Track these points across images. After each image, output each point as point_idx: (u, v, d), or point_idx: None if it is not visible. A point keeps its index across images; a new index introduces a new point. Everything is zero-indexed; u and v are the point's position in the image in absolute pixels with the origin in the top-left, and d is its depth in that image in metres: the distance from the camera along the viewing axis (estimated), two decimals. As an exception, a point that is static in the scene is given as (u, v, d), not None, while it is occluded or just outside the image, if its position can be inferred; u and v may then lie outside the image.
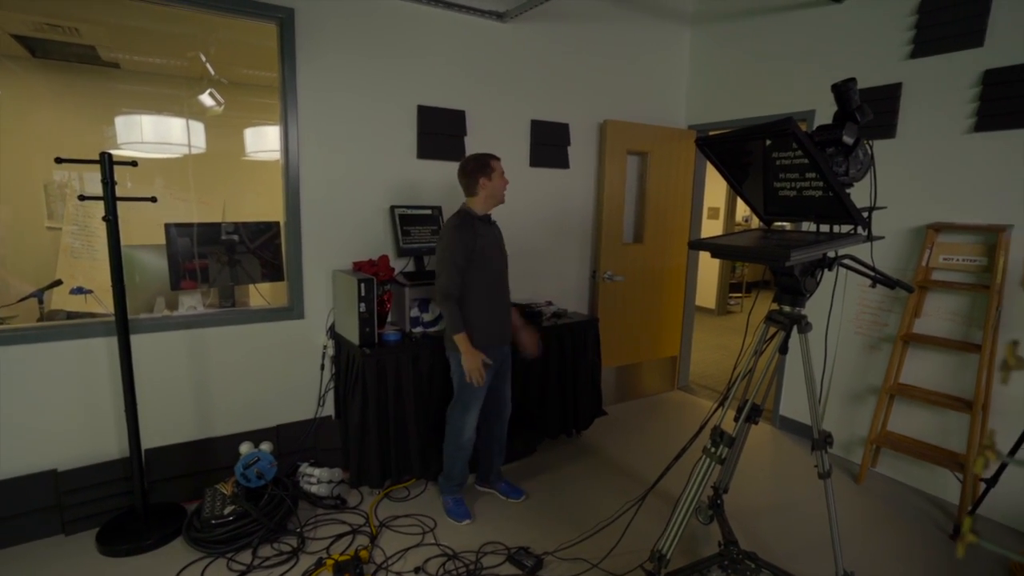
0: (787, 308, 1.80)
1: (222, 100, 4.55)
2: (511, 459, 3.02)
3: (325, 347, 2.87)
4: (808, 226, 1.89)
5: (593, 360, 3.19)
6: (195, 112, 4.47)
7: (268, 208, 3.59)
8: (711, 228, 7.16)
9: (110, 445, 2.48)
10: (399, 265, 2.95)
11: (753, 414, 1.86)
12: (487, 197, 2.38)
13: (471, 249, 2.30)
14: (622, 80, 3.77)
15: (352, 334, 2.61)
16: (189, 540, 2.31)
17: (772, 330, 1.87)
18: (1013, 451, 2.31)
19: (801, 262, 1.66)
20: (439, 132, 3.08)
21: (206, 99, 4.53)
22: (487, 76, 3.23)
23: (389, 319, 2.82)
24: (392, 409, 2.57)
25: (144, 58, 4.27)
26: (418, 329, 2.81)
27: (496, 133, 3.31)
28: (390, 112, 2.94)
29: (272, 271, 2.86)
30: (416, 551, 2.29)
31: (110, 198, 2.17)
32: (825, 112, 3.17)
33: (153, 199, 2.31)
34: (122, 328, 2.26)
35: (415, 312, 2.80)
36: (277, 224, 2.93)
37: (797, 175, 1.72)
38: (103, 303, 2.74)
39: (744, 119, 3.69)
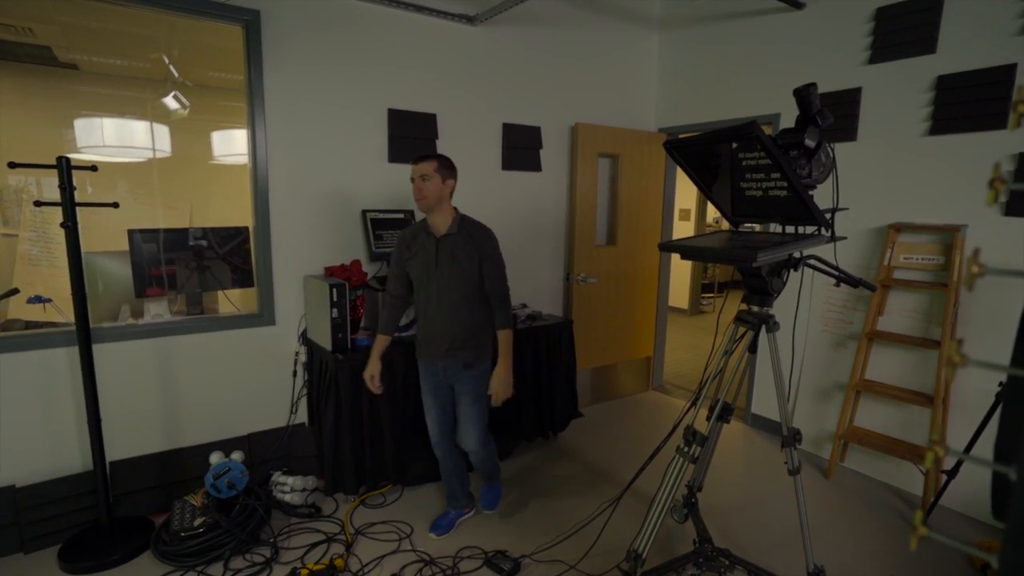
0: (755, 308, 1.84)
1: (187, 103, 4.45)
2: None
3: (297, 353, 2.83)
4: (775, 228, 1.94)
5: (568, 362, 3.21)
6: (159, 115, 4.36)
7: (237, 213, 3.52)
8: (683, 230, 7.28)
9: (73, 458, 2.40)
10: (372, 269, 2.93)
11: (724, 413, 1.89)
12: None
13: (399, 264, 2.28)
14: (593, 83, 3.80)
15: (325, 340, 2.57)
16: (157, 554, 2.24)
17: (742, 330, 1.91)
18: (969, 446, 2.39)
19: (768, 263, 1.70)
20: (410, 136, 3.06)
21: (170, 102, 4.42)
22: (458, 79, 3.23)
23: (362, 324, 2.79)
24: (366, 415, 2.54)
25: (104, 59, 4.14)
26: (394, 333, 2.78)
27: (468, 136, 3.31)
28: (360, 115, 2.92)
29: (242, 277, 2.80)
30: (392, 558, 2.27)
31: (69, 204, 2.10)
32: (789, 116, 3.25)
33: (115, 204, 2.24)
34: (83, 337, 2.19)
35: (389, 317, 2.78)
36: (246, 229, 2.88)
37: (763, 175, 1.76)
38: (63, 312, 2.65)
39: (711, 122, 3.76)
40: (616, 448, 3.30)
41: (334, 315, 2.49)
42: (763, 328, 1.83)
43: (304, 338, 2.83)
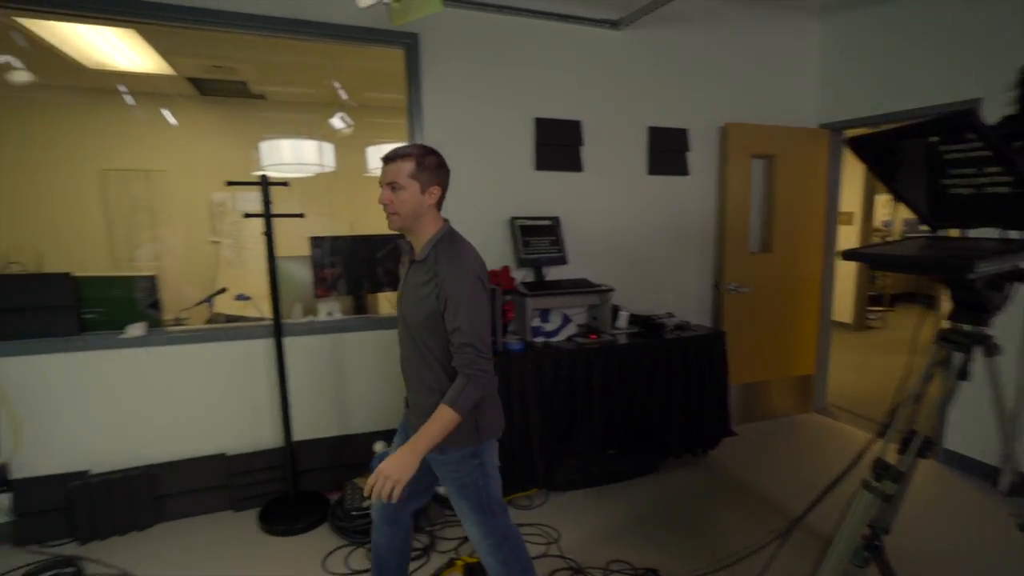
0: (967, 327, 1.59)
1: (351, 122, 4.92)
2: (632, 475, 2.95)
3: (450, 354, 2.99)
4: (979, 232, 1.66)
5: (720, 376, 3.04)
6: (326, 134, 4.88)
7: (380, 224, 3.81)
8: (845, 235, 6.56)
9: (267, 436, 2.76)
10: (519, 275, 3.01)
11: (925, 448, 1.66)
12: None
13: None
14: (744, 81, 3.58)
15: (477, 342, 2.68)
16: (334, 528, 2.50)
17: (943, 352, 1.66)
18: None
19: (988, 274, 1.47)
20: (556, 143, 3.11)
21: (336, 122, 4.92)
22: (602, 85, 3.21)
23: (510, 329, 2.88)
24: (516, 417, 2.61)
25: (285, 88, 4.74)
26: (539, 339, 2.85)
27: (612, 142, 3.27)
28: (509, 126, 3.02)
29: (397, 281, 3.03)
30: (540, 561, 2.30)
31: (267, 215, 2.42)
32: (993, 101, 2.79)
33: (301, 215, 2.54)
34: (277, 331, 2.51)
35: (536, 322, 2.84)
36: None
37: (974, 170, 1.52)
38: (259, 308, 3.05)
39: (888, 114, 3.35)
40: (774, 473, 3.06)
41: (487, 319, 2.59)
42: (976, 351, 1.58)
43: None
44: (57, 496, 2.44)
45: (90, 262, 4.29)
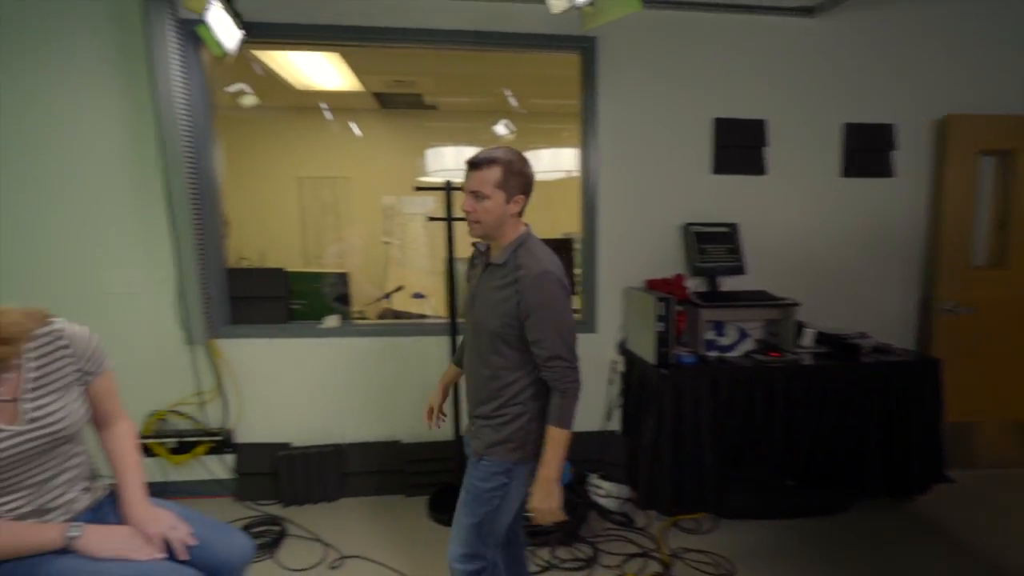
0: None
1: (514, 128, 5.07)
2: (816, 512, 2.64)
3: (615, 362, 2.93)
4: None
5: (932, 410, 2.60)
6: (489, 141, 5.08)
7: (543, 225, 3.83)
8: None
9: (446, 430, 2.91)
10: (692, 285, 2.85)
11: None
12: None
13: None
14: (970, 65, 3.03)
15: (647, 353, 2.59)
16: (496, 526, 2.56)
17: None
18: None
19: None
20: (736, 145, 2.89)
21: (500, 128, 5.09)
22: (790, 80, 2.92)
23: (681, 340, 2.73)
24: (688, 435, 2.47)
25: (455, 99, 5.01)
26: (713, 353, 2.67)
27: (801, 141, 2.97)
28: (684, 128, 2.88)
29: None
30: (714, 592, 2.14)
31: (449, 219, 2.54)
32: None
33: (483, 220, 2.63)
34: (452, 330, 2.63)
35: (711, 335, 2.66)
36: (570, 240, 3.11)
37: None
38: (432, 305, 3.24)
39: None
40: (999, 535, 2.54)
41: (660, 329, 2.48)
42: None
43: (622, 348, 2.91)
44: (267, 462, 2.79)
45: (287, 260, 4.92)
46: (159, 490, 2.82)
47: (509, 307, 1.43)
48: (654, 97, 2.84)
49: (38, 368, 1.20)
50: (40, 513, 1.21)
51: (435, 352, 2.89)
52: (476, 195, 1.44)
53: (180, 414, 2.78)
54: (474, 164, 1.44)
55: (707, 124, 2.89)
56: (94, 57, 2.51)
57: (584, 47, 2.79)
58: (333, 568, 2.31)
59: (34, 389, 1.19)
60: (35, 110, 2.51)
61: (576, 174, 4.75)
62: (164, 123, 2.45)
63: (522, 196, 1.48)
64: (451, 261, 2.59)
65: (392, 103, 5.00)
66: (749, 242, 2.91)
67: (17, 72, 2.48)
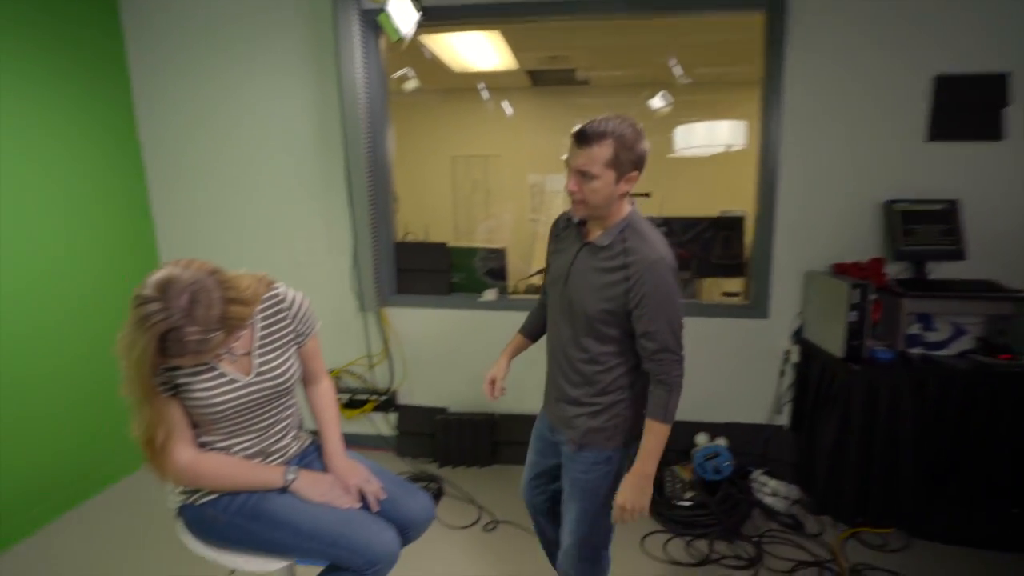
0: None
1: (671, 100, 4.79)
2: (969, 542, 2.20)
3: (787, 352, 2.66)
4: None
5: None
6: (642, 115, 4.86)
7: (699, 204, 3.57)
8: None
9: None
10: (893, 271, 2.47)
11: None
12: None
13: (547, 256, 1.60)
14: None
15: (832, 344, 2.30)
16: (651, 511, 2.46)
17: None
18: None
19: None
20: (964, 105, 2.41)
21: (656, 101, 4.84)
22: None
23: (875, 333, 2.39)
24: (881, 439, 2.17)
25: (609, 72, 4.85)
26: (917, 349, 2.30)
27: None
28: (893, 89, 2.46)
29: (722, 268, 2.83)
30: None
31: (618, 193, 2.44)
32: None
33: (646, 195, 2.50)
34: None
35: (915, 329, 2.30)
36: (740, 219, 2.88)
37: None
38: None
39: None
40: None
41: (852, 319, 2.19)
42: None
43: (798, 337, 2.63)
44: (425, 424, 2.96)
45: (441, 235, 5.16)
46: (335, 439, 3.17)
47: (615, 293, 1.33)
48: (855, 56, 2.47)
49: (263, 328, 1.33)
50: (263, 455, 1.36)
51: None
52: (583, 174, 1.29)
53: (353, 374, 3.04)
54: (582, 139, 1.27)
55: (924, 83, 2.45)
56: (289, 51, 2.77)
57: (771, 5, 2.50)
58: (488, 530, 2.39)
59: (261, 346, 1.32)
60: (243, 100, 2.84)
61: (737, 148, 4.42)
62: (346, 108, 2.64)
63: (635, 174, 1.32)
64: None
65: (543, 80, 4.98)
66: (973, 222, 2.44)
67: (224, 64, 2.82)
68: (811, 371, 2.50)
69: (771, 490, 2.45)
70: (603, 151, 1.26)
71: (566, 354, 1.46)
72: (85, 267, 2.58)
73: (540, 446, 1.67)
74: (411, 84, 4.38)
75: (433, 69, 4.31)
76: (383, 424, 3.07)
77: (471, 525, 2.42)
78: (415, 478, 2.75)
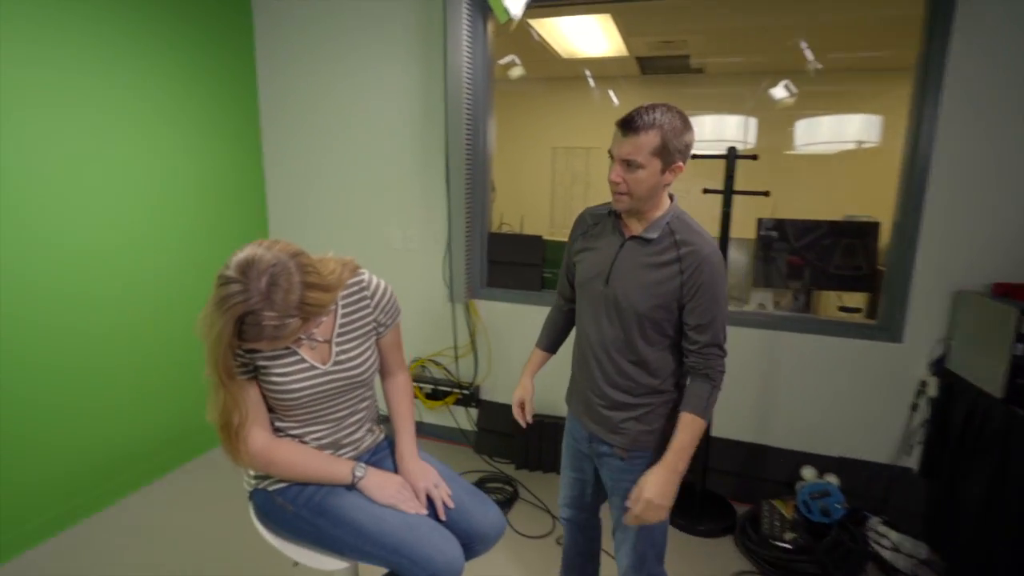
0: None
1: (794, 91, 4.34)
2: None
3: (924, 384, 2.28)
4: None
5: None
6: (758, 109, 4.44)
7: (818, 207, 3.16)
8: None
9: (679, 423, 2.67)
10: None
11: None
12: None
13: (569, 255, 1.54)
14: None
15: (988, 380, 1.92)
16: (741, 546, 2.23)
17: None
18: None
19: None
20: None
21: (778, 91, 4.41)
22: None
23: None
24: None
25: (727, 59, 4.47)
26: (1105, 397, 1.86)
27: None
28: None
29: (851, 280, 2.47)
30: None
31: (728, 191, 2.20)
32: None
33: (766, 193, 2.23)
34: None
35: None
36: (874, 225, 2.50)
37: None
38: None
39: None
40: None
41: (1018, 352, 1.81)
42: None
43: (939, 368, 2.24)
44: (506, 423, 2.88)
45: (536, 228, 5.08)
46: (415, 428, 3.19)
47: (668, 288, 1.28)
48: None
49: (344, 315, 1.28)
50: (336, 446, 1.33)
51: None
52: (628, 164, 1.24)
53: (437, 364, 3.03)
54: (628, 127, 1.23)
55: None
56: (400, 36, 2.77)
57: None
58: (561, 543, 2.26)
59: (341, 334, 1.28)
60: (355, 85, 2.90)
61: (869, 145, 3.91)
62: (450, 93, 2.60)
63: (680, 165, 1.27)
64: (725, 240, 2.26)
65: (653, 68, 4.70)
66: None
67: (341, 50, 2.88)
68: (955, 409, 2.12)
69: (892, 543, 2.11)
70: (650, 139, 1.22)
71: (610, 357, 1.38)
72: (206, 241, 2.78)
73: (576, 460, 1.58)
74: (516, 71, 4.31)
75: (538, 56, 4.20)
76: (463, 418, 3.05)
77: (544, 536, 2.32)
78: (491, 479, 2.69)
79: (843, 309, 2.85)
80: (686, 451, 1.27)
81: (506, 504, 2.49)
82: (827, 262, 2.58)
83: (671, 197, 1.36)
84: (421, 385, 3.00)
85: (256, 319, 1.00)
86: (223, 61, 2.84)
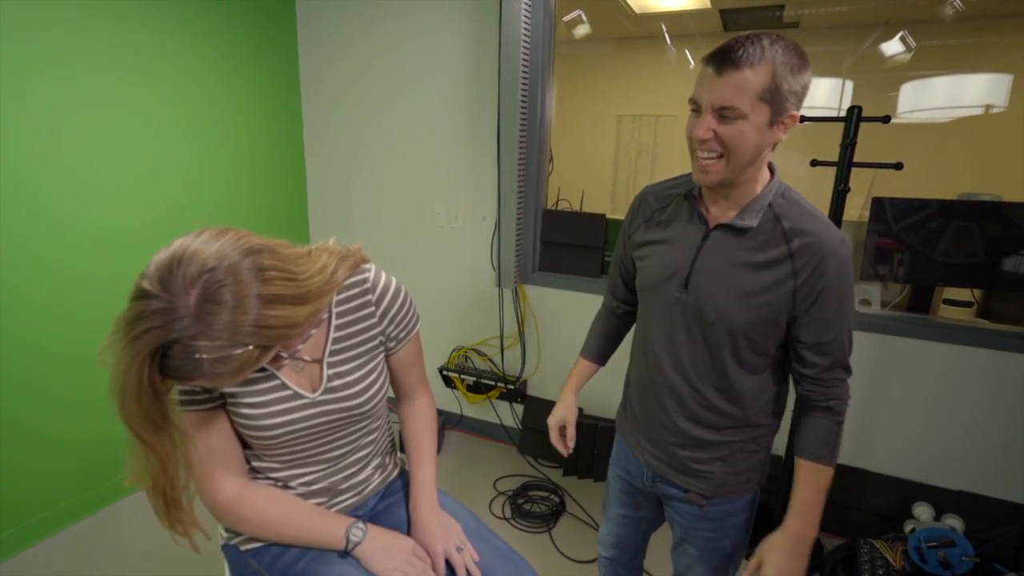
0: None
1: (912, 45, 3.70)
2: None
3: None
4: None
5: None
6: (862, 68, 3.82)
7: (918, 184, 2.60)
8: None
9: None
10: None
11: None
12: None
13: (625, 248, 1.18)
14: None
15: None
16: (835, 597, 1.85)
17: None
18: None
19: None
20: None
21: (891, 46, 3.77)
22: None
23: None
24: None
25: (830, 9, 3.85)
26: None
27: None
28: None
29: (934, 266, 2.00)
30: None
31: (845, 164, 1.76)
32: None
33: (898, 165, 1.76)
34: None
35: None
36: (995, 205, 1.99)
37: None
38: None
39: None
40: None
41: None
42: None
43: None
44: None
45: (597, 206, 4.67)
46: (455, 421, 2.94)
47: (776, 296, 0.93)
48: None
49: (340, 327, 0.97)
50: (332, 492, 1.03)
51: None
52: (723, 113, 0.87)
53: (481, 354, 2.76)
54: (724, 61, 0.85)
55: None
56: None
57: None
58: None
59: (335, 352, 0.97)
60: (401, 48, 2.58)
61: (996, 110, 3.26)
62: (505, 53, 2.26)
63: (795, 113, 0.89)
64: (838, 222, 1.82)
65: (739, 22, 4.13)
66: None
67: (386, 10, 2.57)
68: None
69: (1037, 612, 1.68)
70: (758, 77, 0.84)
71: (690, 383, 1.05)
72: (240, 210, 2.60)
73: (628, 497, 1.26)
74: (582, 30, 3.88)
75: (606, 12, 3.75)
76: (507, 414, 2.77)
77: (592, 561, 2.01)
78: (534, 485, 2.41)
79: (948, 302, 2.34)
80: (813, 512, 0.99)
81: (551, 517, 2.21)
82: (932, 248, 2.06)
83: (771, 169, 0.99)
84: (463, 376, 2.73)
85: (185, 350, 0.67)
86: (260, 24, 2.59)
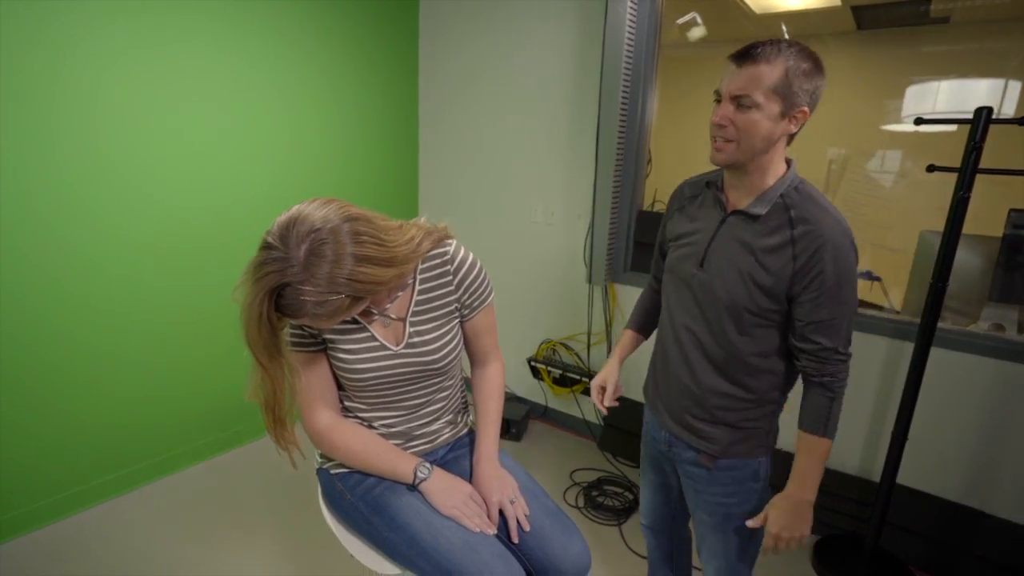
0: None
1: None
2: None
3: None
4: None
5: None
6: (1020, 68, 3.37)
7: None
8: None
9: (855, 458, 2.14)
10: None
11: None
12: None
13: (663, 232, 1.30)
14: None
15: None
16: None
17: None
18: None
19: None
20: None
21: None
22: None
23: None
24: None
25: (988, 0, 3.45)
26: None
27: None
28: None
29: None
30: None
31: (969, 170, 1.61)
32: None
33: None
34: (925, 335, 1.75)
35: None
36: None
37: None
38: (888, 291, 2.35)
39: None
40: None
41: None
42: None
43: None
44: (635, 422, 2.54)
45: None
46: (539, 412, 3.04)
47: (777, 279, 1.03)
48: None
49: (422, 292, 1.12)
50: (407, 437, 1.19)
51: (883, 358, 2.05)
52: (739, 101, 1.00)
53: (568, 349, 2.83)
54: (744, 57, 0.99)
55: None
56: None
57: None
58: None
59: (417, 312, 1.12)
60: (513, 47, 2.73)
61: None
62: (608, 54, 2.32)
63: (806, 109, 1.01)
64: (955, 237, 1.67)
65: (876, 20, 3.81)
66: None
67: (503, 13, 2.73)
68: None
69: None
70: (772, 72, 0.97)
71: (704, 352, 1.16)
72: (359, 200, 2.89)
73: (656, 462, 1.39)
74: (697, 32, 3.81)
75: (723, 14, 3.65)
76: (589, 409, 2.82)
77: (662, 559, 2.01)
78: (609, 480, 2.44)
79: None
80: (810, 478, 1.09)
81: (623, 513, 2.23)
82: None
83: (788, 163, 1.09)
84: (550, 369, 2.82)
85: (295, 292, 0.84)
86: (385, 17, 2.84)
